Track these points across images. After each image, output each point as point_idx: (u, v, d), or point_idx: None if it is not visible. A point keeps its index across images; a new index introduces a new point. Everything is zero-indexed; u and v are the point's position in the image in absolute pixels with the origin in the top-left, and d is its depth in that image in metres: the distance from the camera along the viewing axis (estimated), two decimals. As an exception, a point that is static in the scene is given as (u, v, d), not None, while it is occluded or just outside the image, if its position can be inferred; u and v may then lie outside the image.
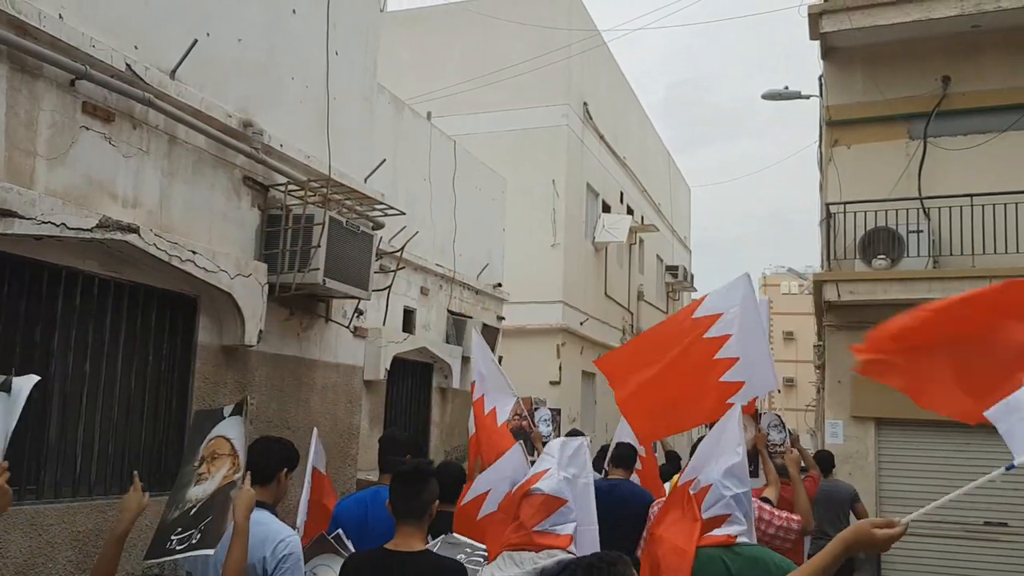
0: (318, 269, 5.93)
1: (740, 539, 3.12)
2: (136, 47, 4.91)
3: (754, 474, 5.11)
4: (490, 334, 11.78)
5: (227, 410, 3.38)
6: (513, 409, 6.58)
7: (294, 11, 6.40)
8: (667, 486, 5.89)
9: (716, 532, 3.13)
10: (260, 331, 5.75)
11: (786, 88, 13.58)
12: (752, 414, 5.32)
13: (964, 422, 2.77)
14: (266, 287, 5.82)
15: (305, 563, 3.43)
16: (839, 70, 10.76)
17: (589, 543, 3.23)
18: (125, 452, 5.08)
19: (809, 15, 10.09)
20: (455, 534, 3.71)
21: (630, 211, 20.17)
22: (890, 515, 9.91)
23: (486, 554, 3.49)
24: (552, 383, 15.13)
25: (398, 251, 8.26)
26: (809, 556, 3.67)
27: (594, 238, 17.66)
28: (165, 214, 5.17)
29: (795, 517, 4.50)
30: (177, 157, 5.28)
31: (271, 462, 3.40)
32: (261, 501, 3.24)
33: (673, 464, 8.21)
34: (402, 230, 8.57)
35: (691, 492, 3.30)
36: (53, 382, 4.59)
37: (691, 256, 29.02)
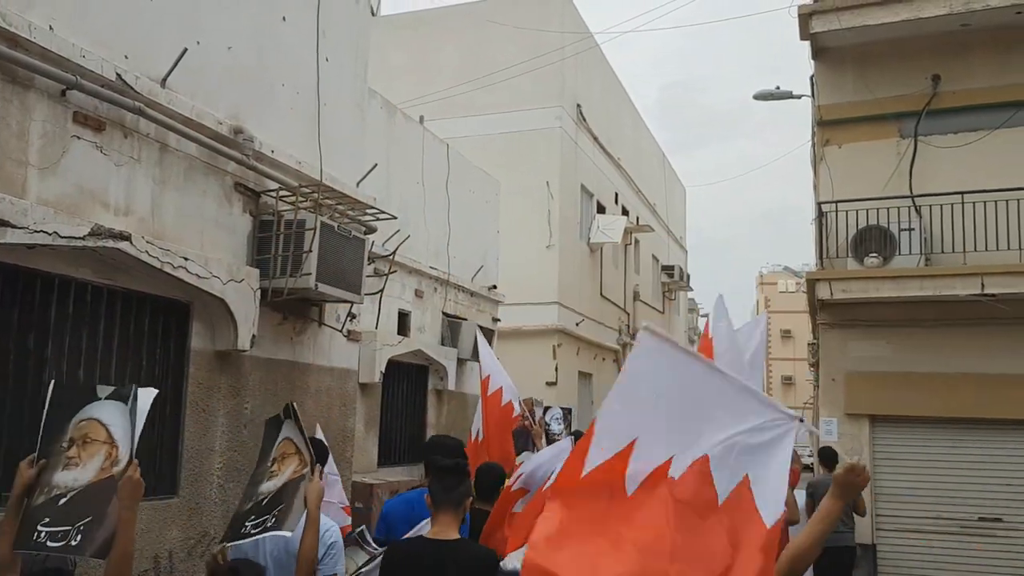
0: (310, 274, 5.97)
1: None
2: (126, 57, 4.96)
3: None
4: (485, 336, 11.80)
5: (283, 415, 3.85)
6: (520, 405, 6.92)
7: (284, 18, 6.44)
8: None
9: None
10: (253, 336, 5.78)
11: (778, 88, 13.62)
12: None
13: None
14: (258, 292, 5.86)
15: None
16: (830, 70, 10.81)
17: None
18: (120, 458, 5.10)
19: (799, 16, 10.14)
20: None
21: (625, 212, 20.23)
22: (885, 511, 9.92)
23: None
24: (549, 384, 15.18)
25: (390, 255, 8.30)
26: None
27: (589, 239, 17.71)
28: (157, 221, 5.22)
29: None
30: (168, 165, 5.33)
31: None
32: None
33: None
34: (395, 233, 8.61)
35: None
36: (47, 389, 4.61)
37: (687, 256, 29.07)
